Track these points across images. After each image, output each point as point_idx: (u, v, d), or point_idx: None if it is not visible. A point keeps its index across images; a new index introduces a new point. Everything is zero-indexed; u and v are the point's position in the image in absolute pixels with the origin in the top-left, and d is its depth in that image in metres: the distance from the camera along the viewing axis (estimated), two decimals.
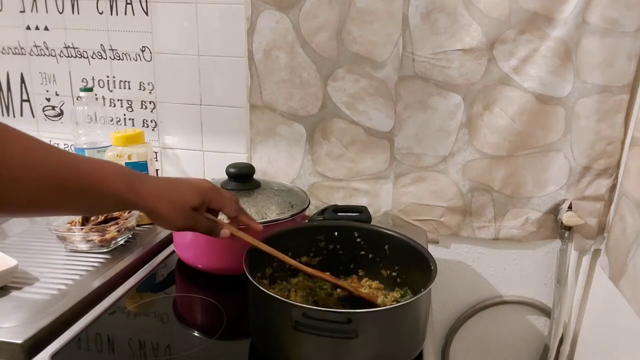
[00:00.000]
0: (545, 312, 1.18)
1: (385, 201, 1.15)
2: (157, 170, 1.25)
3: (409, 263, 0.78)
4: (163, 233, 1.05)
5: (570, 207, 1.07)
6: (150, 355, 0.70)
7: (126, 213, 1.01)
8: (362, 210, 0.89)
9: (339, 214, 0.89)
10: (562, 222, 1.08)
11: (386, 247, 0.81)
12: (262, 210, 0.88)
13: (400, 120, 1.09)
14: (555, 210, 1.09)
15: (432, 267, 0.68)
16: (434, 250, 1.13)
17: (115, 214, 1.01)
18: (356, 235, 0.83)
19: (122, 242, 0.98)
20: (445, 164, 1.10)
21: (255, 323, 0.69)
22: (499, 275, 1.18)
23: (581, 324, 1.13)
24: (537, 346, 1.21)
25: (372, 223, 0.88)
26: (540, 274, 1.16)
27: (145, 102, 1.21)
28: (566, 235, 1.09)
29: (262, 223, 0.85)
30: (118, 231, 0.96)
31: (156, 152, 1.23)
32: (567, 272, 1.11)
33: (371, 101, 1.09)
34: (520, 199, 1.10)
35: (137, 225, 1.05)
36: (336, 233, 0.83)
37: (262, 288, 0.63)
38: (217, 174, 1.20)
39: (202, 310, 0.84)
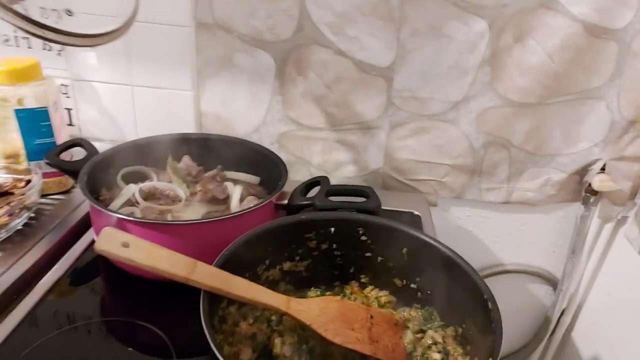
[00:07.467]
0: (551, 281, 1.04)
1: (375, 157, 0.92)
2: (69, 110, 0.92)
3: (438, 278, 0.55)
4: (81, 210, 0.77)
5: (603, 169, 0.88)
6: None
7: (21, 183, 0.71)
8: (367, 193, 0.64)
9: (334, 197, 0.64)
10: (589, 186, 0.89)
11: (404, 250, 0.58)
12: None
13: (404, 52, 0.83)
14: (582, 171, 0.91)
15: (491, 307, 0.46)
16: None
17: (7, 187, 0.71)
18: (360, 232, 0.59)
19: (18, 226, 0.69)
20: (456, 111, 0.87)
21: None
22: (502, 242, 1.02)
23: (587, 297, 1.00)
24: (535, 317, 1.08)
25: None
26: (551, 241, 1.01)
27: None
28: (591, 200, 0.91)
29: (221, 217, 0.59)
30: (10, 215, 0.66)
31: (66, 86, 0.90)
32: (586, 241, 0.95)
33: (366, 24, 0.82)
34: (542, 157, 0.90)
35: (43, 196, 0.75)
36: (332, 229, 0.59)
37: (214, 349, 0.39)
38: (152, 117, 0.90)
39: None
